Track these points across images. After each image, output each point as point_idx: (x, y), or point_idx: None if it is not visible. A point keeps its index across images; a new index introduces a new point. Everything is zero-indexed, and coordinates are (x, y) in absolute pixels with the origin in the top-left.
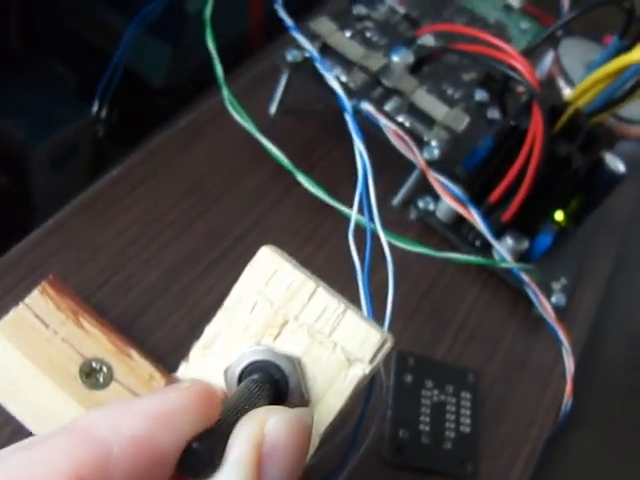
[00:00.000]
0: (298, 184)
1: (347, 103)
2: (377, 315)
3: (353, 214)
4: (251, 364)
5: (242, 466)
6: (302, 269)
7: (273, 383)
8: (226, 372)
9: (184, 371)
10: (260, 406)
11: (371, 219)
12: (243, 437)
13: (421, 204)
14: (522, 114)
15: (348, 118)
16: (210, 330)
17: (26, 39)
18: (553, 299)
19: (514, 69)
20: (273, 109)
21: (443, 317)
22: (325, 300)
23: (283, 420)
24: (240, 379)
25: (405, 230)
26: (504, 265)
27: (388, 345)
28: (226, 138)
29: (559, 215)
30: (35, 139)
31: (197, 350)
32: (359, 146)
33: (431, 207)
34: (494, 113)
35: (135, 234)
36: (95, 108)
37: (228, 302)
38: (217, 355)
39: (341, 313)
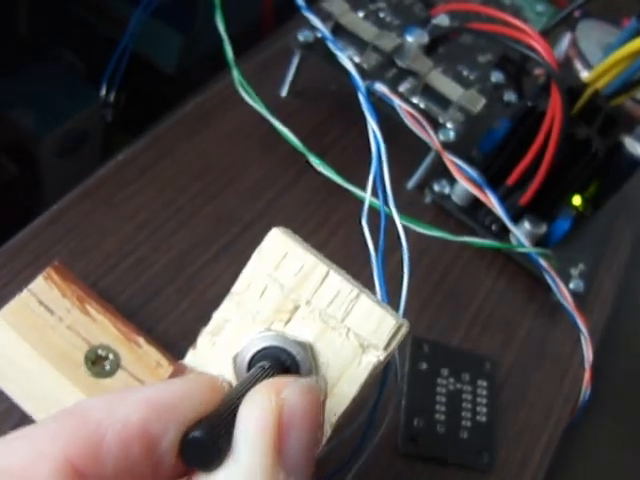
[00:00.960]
0: (311, 167)
1: (360, 82)
2: (392, 300)
3: (367, 197)
4: (261, 350)
5: (262, 441)
6: (314, 252)
7: (283, 370)
8: (235, 359)
9: (192, 358)
10: None
11: (385, 202)
12: (259, 408)
13: (436, 187)
14: (540, 95)
15: (361, 98)
16: (218, 316)
17: (35, 28)
18: (571, 285)
19: (532, 49)
20: (285, 91)
21: (459, 303)
22: (338, 284)
23: (299, 388)
24: (250, 366)
25: (420, 214)
26: (521, 250)
27: (403, 331)
28: (236, 121)
29: (577, 200)
30: (44, 128)
31: (205, 337)
32: (373, 126)
33: (447, 190)
34: (511, 95)
35: (143, 220)
36: (103, 92)
37: (237, 287)
38: (226, 342)
39: (354, 297)
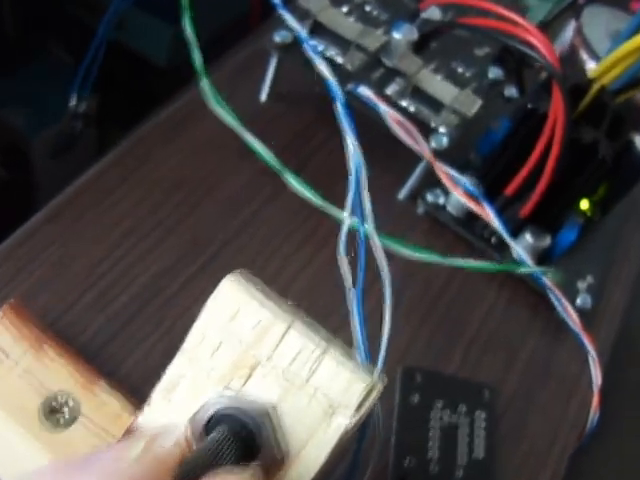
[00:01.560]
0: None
1: (338, 90)
2: (374, 338)
3: (344, 225)
4: (217, 413)
5: None
6: (276, 299)
7: (243, 435)
8: (191, 421)
9: (146, 416)
10: (226, 465)
11: (365, 224)
12: None
13: (430, 197)
14: (541, 95)
15: (339, 108)
16: (171, 372)
17: (24, 25)
18: (578, 301)
19: (530, 45)
20: (264, 96)
21: (455, 325)
22: (300, 340)
23: None
24: (207, 429)
25: (413, 225)
26: (522, 270)
27: (377, 391)
28: (209, 133)
29: (584, 204)
30: (36, 127)
31: (159, 394)
32: (352, 141)
33: (441, 201)
34: (512, 90)
35: (109, 246)
36: (73, 103)
37: (189, 341)
38: (181, 400)
39: (320, 355)
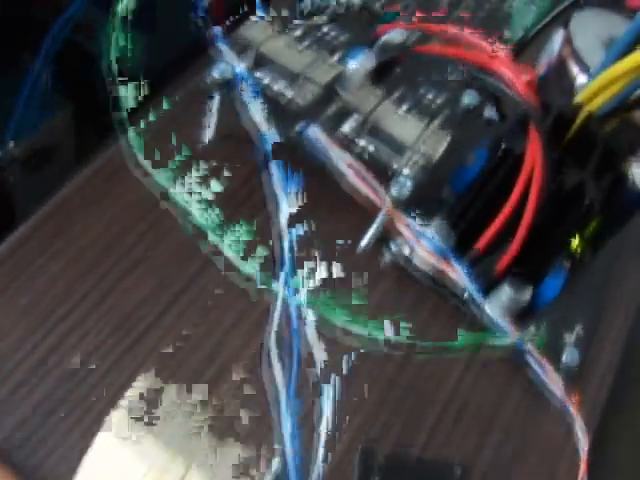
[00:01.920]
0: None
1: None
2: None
3: (276, 316)
4: None
5: None
6: (160, 448)
7: None
8: None
9: None
10: None
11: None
12: None
13: (394, 247)
14: (517, 134)
15: (273, 171)
16: None
17: None
18: (564, 357)
19: (502, 79)
20: (207, 137)
21: (422, 395)
22: None
23: None
24: None
25: (378, 278)
26: (496, 343)
27: None
28: (136, 193)
29: (574, 242)
30: (7, 141)
31: None
32: (284, 214)
33: (407, 251)
34: (492, 111)
35: (25, 330)
36: (11, 145)
37: None
38: None
39: None
